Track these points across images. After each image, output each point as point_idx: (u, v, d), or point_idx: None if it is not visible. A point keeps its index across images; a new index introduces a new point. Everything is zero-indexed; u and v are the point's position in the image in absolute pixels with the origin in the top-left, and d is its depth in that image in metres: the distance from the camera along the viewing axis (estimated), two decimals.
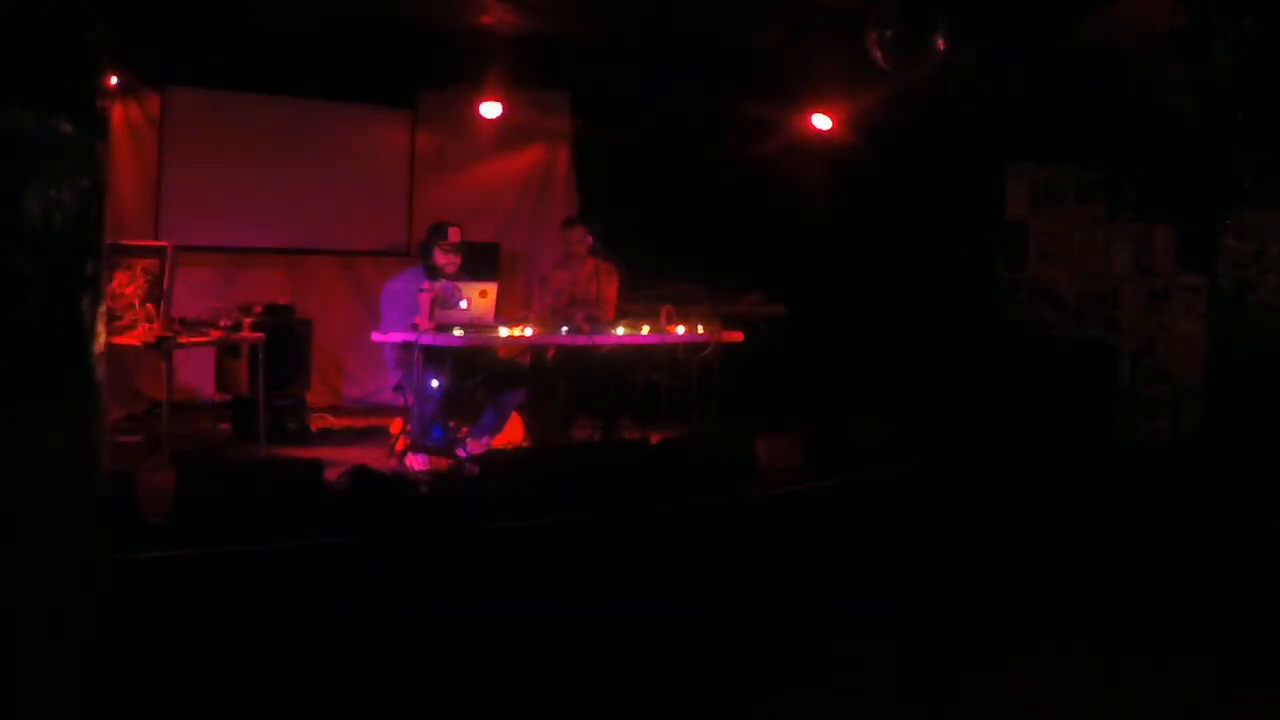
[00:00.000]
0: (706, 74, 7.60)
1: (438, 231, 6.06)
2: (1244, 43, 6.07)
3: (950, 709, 3.77)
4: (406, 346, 5.59)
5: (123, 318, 5.70)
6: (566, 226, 6.79)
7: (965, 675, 4.03)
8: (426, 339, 5.48)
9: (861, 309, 8.01)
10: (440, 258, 5.97)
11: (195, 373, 7.07)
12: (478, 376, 6.01)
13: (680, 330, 6.24)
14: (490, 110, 8.00)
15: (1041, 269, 8.11)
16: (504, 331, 5.75)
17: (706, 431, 6.43)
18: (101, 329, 1.23)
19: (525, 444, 6.29)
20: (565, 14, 6.83)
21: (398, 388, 5.93)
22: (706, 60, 7.54)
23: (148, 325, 5.64)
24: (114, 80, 6.93)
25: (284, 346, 6.52)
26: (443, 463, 5.57)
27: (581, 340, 6.07)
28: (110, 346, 1.34)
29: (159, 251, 5.85)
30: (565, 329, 6.02)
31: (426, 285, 5.67)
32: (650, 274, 7.22)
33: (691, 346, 6.39)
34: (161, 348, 5.45)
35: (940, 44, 5.71)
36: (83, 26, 1.20)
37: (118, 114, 7.27)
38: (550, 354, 6.37)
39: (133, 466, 4.97)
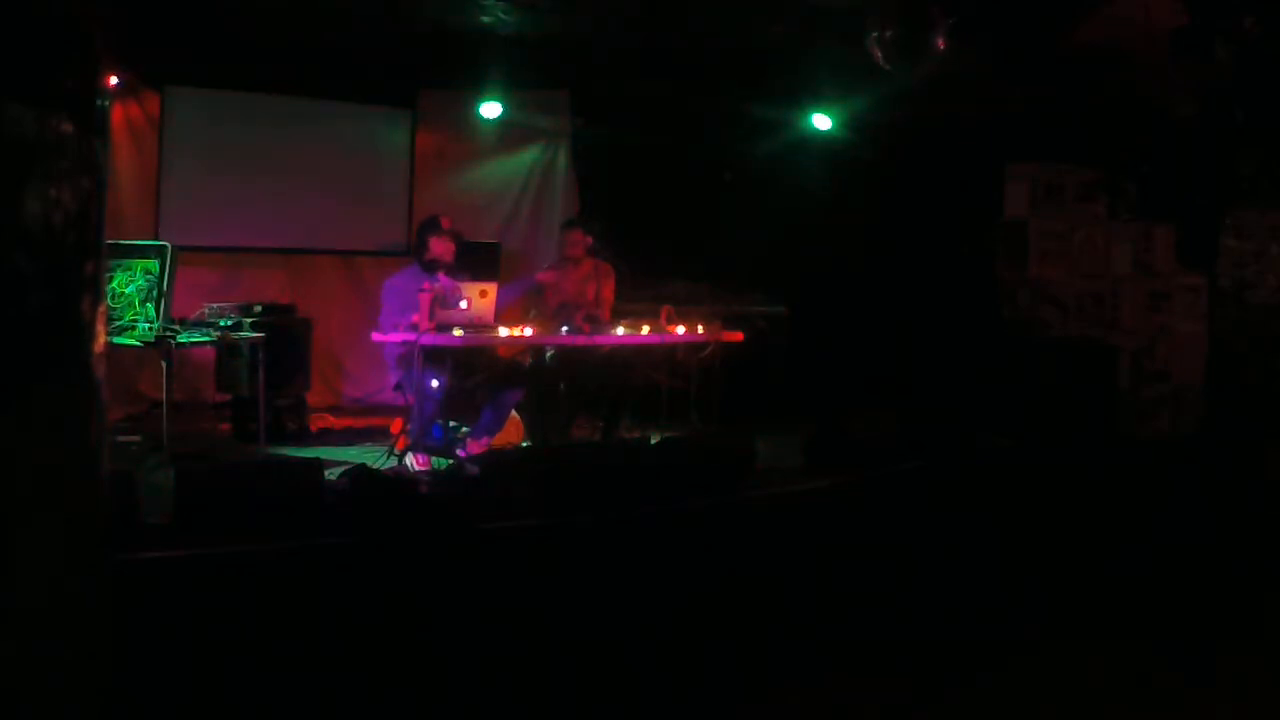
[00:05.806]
0: (706, 74, 7.60)
1: (430, 223, 6.11)
2: (1244, 43, 6.06)
3: (952, 708, 3.77)
4: (406, 346, 5.60)
5: (123, 318, 5.70)
6: (565, 229, 6.82)
7: (965, 674, 4.02)
8: (426, 339, 5.48)
9: (862, 309, 8.01)
10: (437, 246, 5.97)
11: (195, 373, 7.06)
12: (478, 376, 6.01)
13: (680, 330, 6.24)
14: (490, 110, 8.01)
15: (1041, 269, 8.11)
16: (504, 331, 5.75)
17: (706, 431, 6.43)
18: (101, 329, 1.23)
19: (525, 444, 6.30)
20: (565, 14, 6.83)
21: (398, 387, 5.93)
22: (706, 60, 7.53)
23: (148, 325, 5.63)
24: (114, 80, 6.93)
25: (284, 346, 6.50)
26: (443, 463, 5.57)
27: (581, 340, 6.08)
28: (110, 346, 1.34)
29: (159, 251, 5.84)
30: (565, 329, 6.02)
31: (427, 285, 5.67)
32: (650, 274, 7.22)
33: (691, 346, 6.39)
34: (161, 348, 5.45)
35: (940, 44, 5.71)
36: (83, 26, 1.20)
37: (118, 114, 7.27)
38: (550, 354, 6.37)
39: (133, 466, 4.96)
